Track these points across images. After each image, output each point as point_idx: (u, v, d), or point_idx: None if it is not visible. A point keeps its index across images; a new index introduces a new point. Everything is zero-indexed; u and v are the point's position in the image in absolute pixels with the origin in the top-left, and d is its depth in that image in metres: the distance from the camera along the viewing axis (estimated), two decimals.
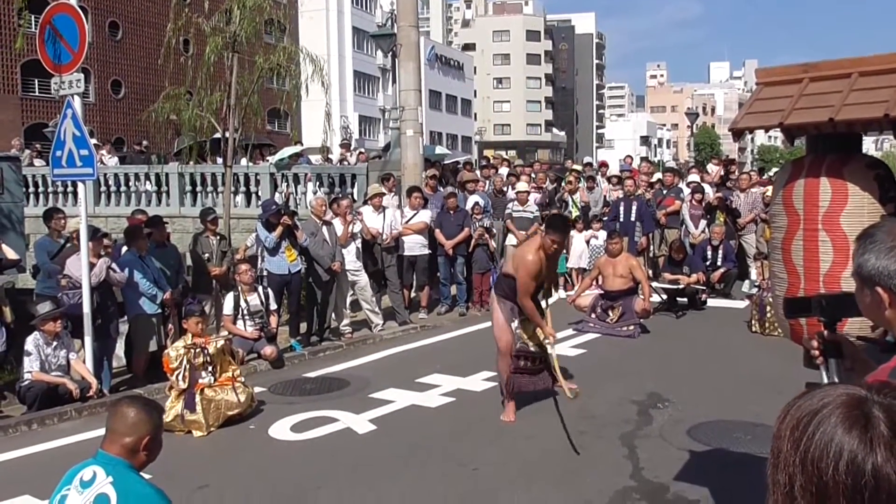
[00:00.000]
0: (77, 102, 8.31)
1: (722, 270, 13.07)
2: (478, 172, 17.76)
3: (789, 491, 1.08)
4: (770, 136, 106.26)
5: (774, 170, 23.01)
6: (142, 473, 3.02)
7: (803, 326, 3.79)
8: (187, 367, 7.26)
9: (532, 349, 7.16)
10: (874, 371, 1.95)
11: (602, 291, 11.17)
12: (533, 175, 16.74)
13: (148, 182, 18.38)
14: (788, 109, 3.82)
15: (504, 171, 17.37)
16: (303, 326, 10.66)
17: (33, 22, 14.55)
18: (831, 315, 2.30)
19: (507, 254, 12.55)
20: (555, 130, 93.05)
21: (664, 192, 15.01)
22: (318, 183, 16.46)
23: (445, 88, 69.04)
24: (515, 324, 7.12)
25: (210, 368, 7.37)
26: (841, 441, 1.05)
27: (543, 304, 7.33)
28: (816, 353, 2.24)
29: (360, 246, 11.17)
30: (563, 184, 16.05)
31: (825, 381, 2.21)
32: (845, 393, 1.11)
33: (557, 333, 7.74)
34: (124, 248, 9.49)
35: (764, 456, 1.23)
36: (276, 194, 16.17)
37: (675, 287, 12.24)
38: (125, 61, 37.37)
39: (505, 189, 14.74)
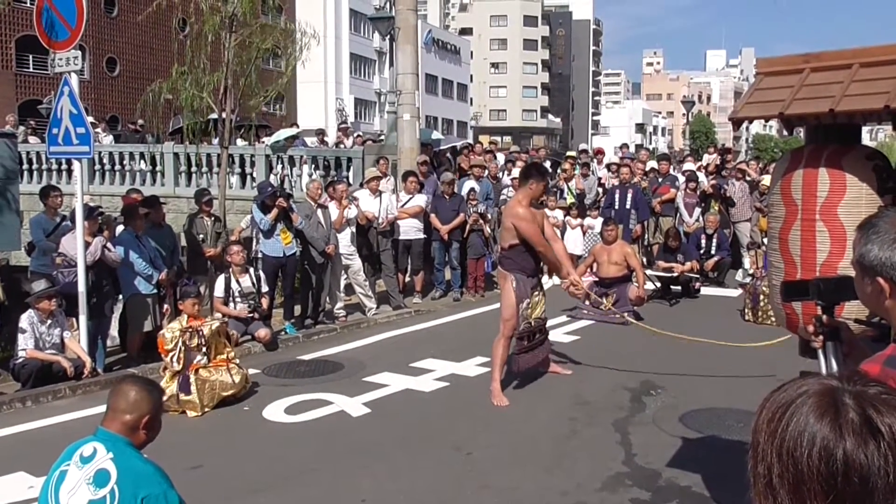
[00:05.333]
0: (74, 80, 8.26)
1: (716, 259, 13.12)
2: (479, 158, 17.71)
3: (769, 481, 1.12)
4: (765, 126, 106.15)
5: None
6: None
7: (799, 316, 3.82)
8: (182, 348, 7.27)
9: (533, 325, 7.22)
10: (870, 358, 1.97)
11: (597, 278, 11.20)
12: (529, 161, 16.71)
13: (143, 161, 18.30)
14: (789, 99, 3.82)
15: (501, 157, 17.34)
16: (297, 309, 10.66)
17: None
18: (829, 299, 2.30)
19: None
20: (550, 117, 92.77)
21: (659, 180, 15.04)
22: (313, 166, 16.42)
23: (442, 73, 68.68)
24: (524, 304, 7.14)
25: (204, 350, 7.38)
26: (813, 429, 1.09)
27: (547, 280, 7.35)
28: (814, 336, 2.26)
29: (354, 230, 11.17)
30: (559, 171, 16.04)
31: (823, 366, 2.22)
32: (818, 383, 1.15)
33: (551, 320, 7.77)
34: (119, 228, 9.47)
35: None
36: (272, 176, 16.11)
37: (669, 275, 12.29)
38: (121, 39, 37.09)
39: (500, 175, 14.73)
